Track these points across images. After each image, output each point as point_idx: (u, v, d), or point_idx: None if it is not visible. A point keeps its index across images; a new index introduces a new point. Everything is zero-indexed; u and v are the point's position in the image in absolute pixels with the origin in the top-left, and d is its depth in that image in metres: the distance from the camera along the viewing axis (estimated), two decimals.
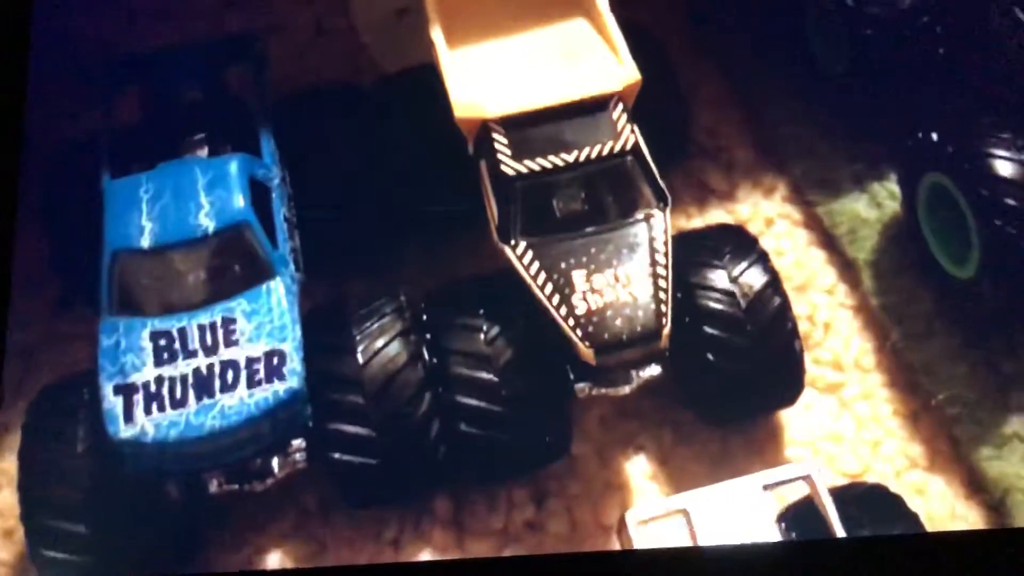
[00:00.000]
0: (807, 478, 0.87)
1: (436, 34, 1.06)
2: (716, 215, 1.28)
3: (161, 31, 1.34)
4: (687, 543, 0.82)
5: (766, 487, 0.85)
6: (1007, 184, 1.05)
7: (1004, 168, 1.06)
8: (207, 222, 0.95)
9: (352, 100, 1.15)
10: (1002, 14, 1.15)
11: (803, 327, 1.17)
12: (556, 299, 0.96)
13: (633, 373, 1.01)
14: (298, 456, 0.97)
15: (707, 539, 0.81)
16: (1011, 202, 1.04)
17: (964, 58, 1.20)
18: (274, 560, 1.02)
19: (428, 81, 1.10)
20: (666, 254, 0.99)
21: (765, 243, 1.22)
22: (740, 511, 0.83)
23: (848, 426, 1.14)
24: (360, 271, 1.15)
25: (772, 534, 0.83)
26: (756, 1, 1.42)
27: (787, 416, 1.13)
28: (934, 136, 1.13)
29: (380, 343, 0.97)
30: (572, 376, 1.01)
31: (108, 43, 1.31)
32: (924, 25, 1.21)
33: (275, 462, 0.96)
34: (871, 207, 1.26)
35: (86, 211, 1.01)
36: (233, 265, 0.95)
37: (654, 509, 0.83)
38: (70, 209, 1.08)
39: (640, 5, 1.36)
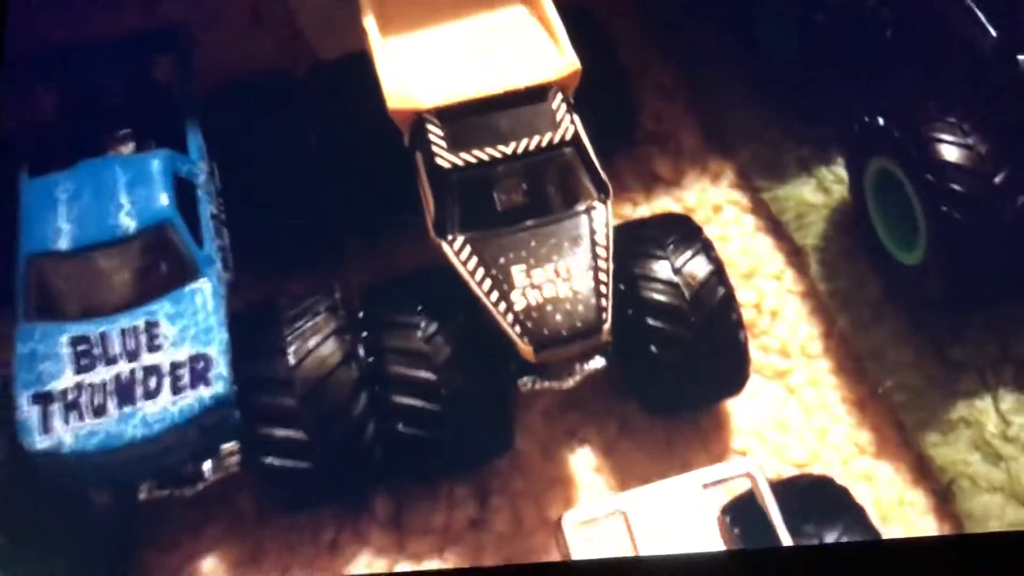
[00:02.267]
0: (748, 475, 0.83)
1: (369, 22, 1.01)
2: (663, 202, 1.25)
3: (89, 17, 1.26)
4: (626, 545, 0.78)
5: (706, 485, 0.81)
6: (953, 169, 1.02)
7: (950, 153, 1.02)
8: (128, 222, 0.90)
9: (285, 89, 1.10)
10: None
11: (750, 315, 1.15)
12: (495, 295, 0.92)
13: (577, 366, 0.98)
14: (231, 459, 0.92)
15: (646, 541, 0.78)
16: (957, 187, 1.01)
17: (911, 42, 1.17)
18: (209, 564, 0.97)
19: (364, 69, 1.05)
20: (607, 247, 0.95)
21: (712, 230, 1.20)
22: (680, 511, 0.79)
23: (795, 414, 1.11)
24: (296, 265, 1.10)
25: (713, 533, 0.80)
26: None
27: (734, 405, 1.10)
28: (880, 120, 1.10)
29: (312, 342, 0.92)
30: (514, 370, 0.97)
31: (32, 31, 1.25)
32: (872, 9, 1.18)
33: (207, 466, 0.91)
34: (818, 192, 1.23)
35: (2, 210, 0.96)
36: (156, 266, 0.90)
37: (591, 511, 0.80)
38: None
39: None
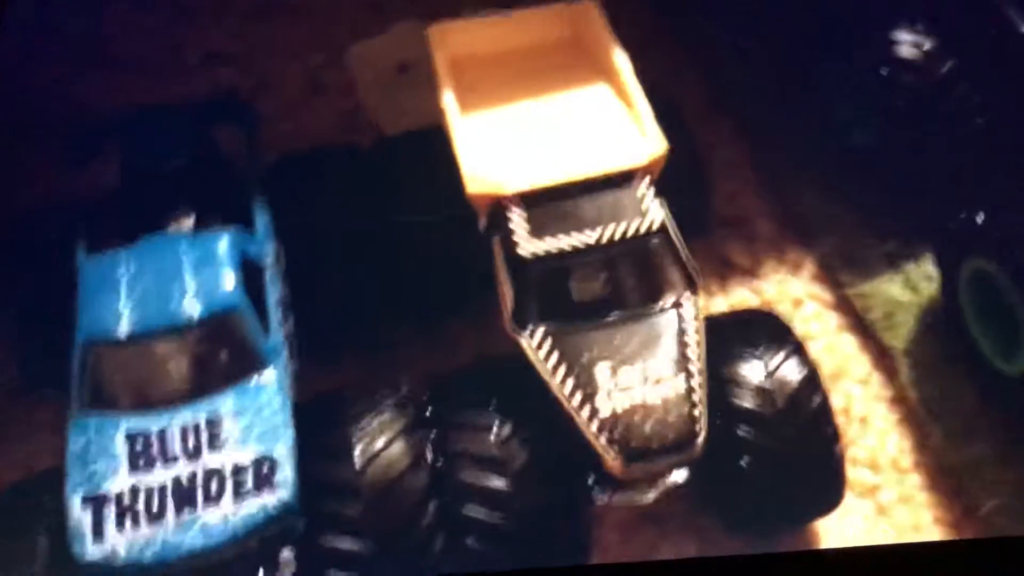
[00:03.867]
0: None
1: (448, 98, 1.03)
2: (739, 293, 1.26)
3: (142, 86, 1.31)
4: None
5: None
6: None
7: None
8: (193, 307, 0.89)
9: (351, 163, 1.12)
10: None
11: (837, 422, 1.14)
12: (578, 398, 0.91)
13: (659, 479, 0.97)
14: (287, 572, 0.90)
15: None
16: None
17: (1007, 130, 1.19)
18: None
19: (431, 146, 1.07)
20: (699, 345, 0.95)
21: (793, 327, 1.21)
22: None
23: (886, 536, 1.10)
24: (357, 351, 1.11)
25: None
26: (778, 63, 1.40)
27: (820, 525, 1.08)
28: (979, 218, 1.11)
29: (380, 444, 0.91)
30: (591, 481, 0.96)
31: (83, 99, 1.27)
32: (962, 94, 1.20)
33: None
34: (907, 290, 1.24)
35: (56, 286, 0.96)
36: (220, 356, 0.89)
37: None
38: (37, 283, 1.02)
39: (651, 64, 1.36)
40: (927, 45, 1.21)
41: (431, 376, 1.02)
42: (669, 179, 1.04)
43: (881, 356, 1.21)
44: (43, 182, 1.21)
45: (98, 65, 1.37)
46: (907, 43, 1.22)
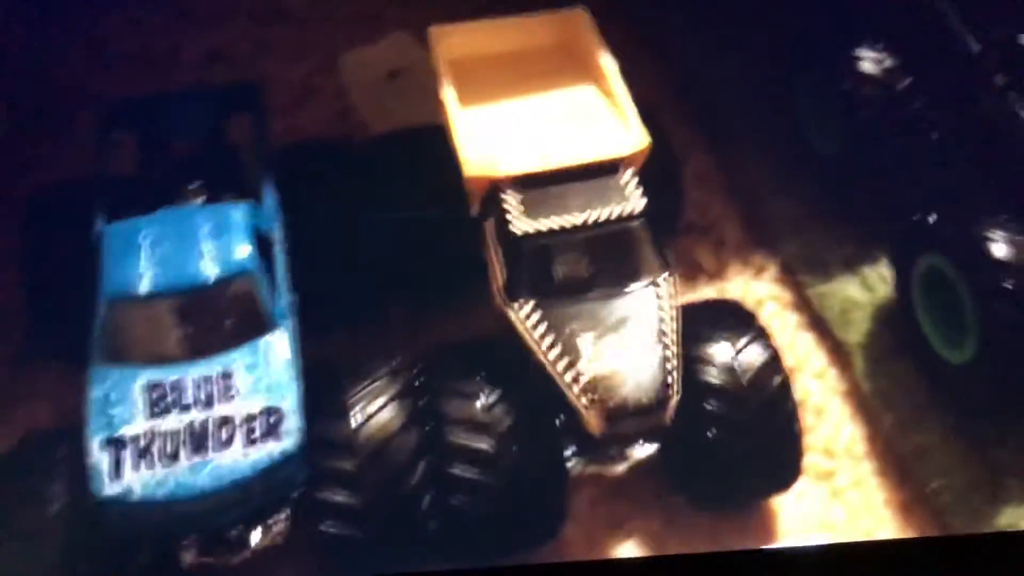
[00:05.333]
0: None
1: (447, 93, 1.14)
2: (706, 294, 1.36)
3: (144, 82, 1.41)
4: None
5: None
6: (1006, 267, 1.14)
7: (1002, 250, 1.15)
8: (209, 270, 0.98)
9: (344, 156, 1.22)
10: (995, 99, 1.27)
11: (796, 400, 1.25)
12: (562, 364, 1.02)
13: (629, 451, 1.08)
14: (277, 528, 1.00)
15: None
16: (1010, 285, 1.13)
17: (958, 141, 1.31)
18: None
19: (420, 142, 1.19)
20: (673, 320, 1.06)
21: None
22: None
23: (839, 516, 1.21)
24: (351, 328, 1.21)
25: None
26: (747, 78, 1.54)
27: (778, 505, 1.19)
28: (931, 217, 1.23)
29: (374, 406, 1.01)
30: (569, 452, 1.07)
31: (85, 91, 1.39)
32: (918, 108, 1.33)
33: (254, 534, 0.99)
34: (863, 290, 1.36)
35: (63, 260, 1.06)
36: (234, 316, 0.98)
37: None
38: (45, 257, 1.12)
39: (633, 79, 1.48)
40: (887, 62, 1.34)
41: (422, 350, 1.12)
42: (644, 186, 1.14)
43: (837, 352, 1.32)
44: (55, 164, 1.31)
45: (100, 59, 1.48)
46: (869, 59, 1.34)
